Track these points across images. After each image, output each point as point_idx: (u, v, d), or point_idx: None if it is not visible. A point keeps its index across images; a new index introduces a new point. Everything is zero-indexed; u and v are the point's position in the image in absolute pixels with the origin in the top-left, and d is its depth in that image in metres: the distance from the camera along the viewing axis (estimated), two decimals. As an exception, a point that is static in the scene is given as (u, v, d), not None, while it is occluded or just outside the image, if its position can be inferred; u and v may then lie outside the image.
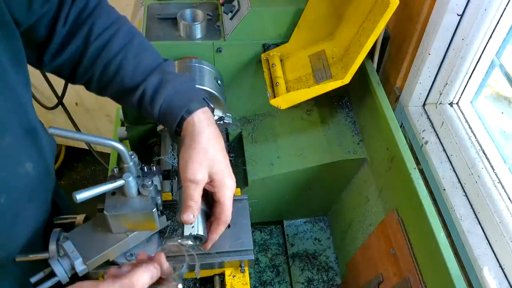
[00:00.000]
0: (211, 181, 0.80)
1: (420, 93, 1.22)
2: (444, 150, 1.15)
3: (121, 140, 1.41)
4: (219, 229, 0.83)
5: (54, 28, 0.77)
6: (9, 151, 0.72)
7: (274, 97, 1.20)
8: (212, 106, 0.86)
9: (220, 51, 1.26)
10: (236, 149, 1.46)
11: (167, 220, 0.92)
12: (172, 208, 0.98)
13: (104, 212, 0.82)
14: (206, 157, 0.78)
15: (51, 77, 1.73)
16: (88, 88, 0.87)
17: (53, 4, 0.76)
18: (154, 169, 0.87)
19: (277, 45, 1.29)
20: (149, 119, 0.86)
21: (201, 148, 0.78)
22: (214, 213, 0.83)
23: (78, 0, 0.79)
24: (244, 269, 0.95)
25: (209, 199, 0.87)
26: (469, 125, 1.17)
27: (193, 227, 0.82)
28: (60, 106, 1.78)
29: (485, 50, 1.10)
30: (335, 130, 1.42)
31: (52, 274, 0.80)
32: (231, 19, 1.25)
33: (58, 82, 1.72)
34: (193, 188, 0.78)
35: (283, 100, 1.18)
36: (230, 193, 0.81)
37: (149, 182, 0.82)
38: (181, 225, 0.82)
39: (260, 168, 1.38)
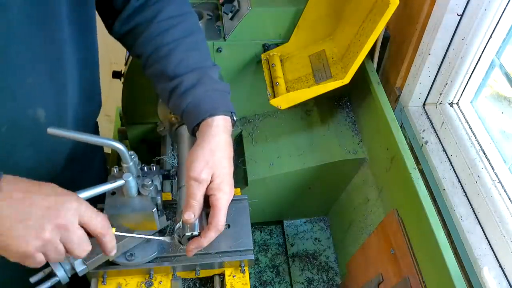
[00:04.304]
0: (210, 183, 0.80)
1: (420, 93, 1.22)
2: (444, 150, 1.15)
3: (121, 140, 1.41)
4: (210, 235, 0.80)
5: (129, 0, 0.86)
6: (27, 90, 0.76)
7: (274, 97, 1.20)
8: (235, 120, 0.87)
9: (220, 51, 1.26)
10: (236, 149, 1.46)
11: (167, 220, 0.92)
12: (172, 208, 0.98)
13: (104, 212, 0.82)
14: (212, 158, 0.79)
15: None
16: (141, 61, 0.92)
17: None
18: (154, 169, 0.87)
19: (277, 45, 1.29)
20: (175, 113, 0.90)
21: (209, 149, 0.79)
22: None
23: None
24: (244, 269, 0.95)
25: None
26: (469, 125, 1.17)
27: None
28: (60, 106, 1.78)
29: (485, 50, 1.10)
30: (335, 130, 1.42)
31: (52, 274, 0.80)
32: (231, 19, 1.25)
33: (58, 82, 1.72)
34: (195, 186, 0.78)
35: (283, 100, 1.18)
36: (226, 199, 0.81)
37: (149, 182, 0.82)
38: (180, 224, 0.82)
39: (260, 168, 1.38)
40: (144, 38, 0.87)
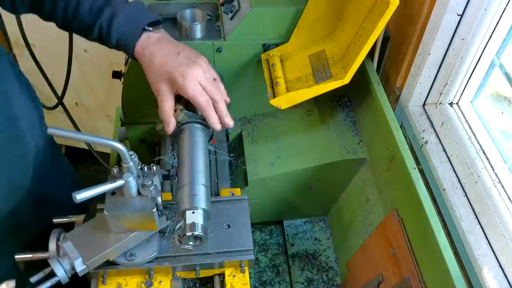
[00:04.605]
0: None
1: (420, 93, 1.22)
2: (444, 150, 1.15)
3: (121, 140, 1.41)
4: (208, 112, 0.94)
5: None
6: None
7: (274, 97, 1.20)
8: (159, 20, 0.97)
9: (220, 51, 1.26)
10: (236, 149, 1.46)
11: (167, 220, 0.92)
12: (172, 208, 0.98)
13: (104, 212, 0.82)
14: (159, 74, 0.90)
15: (51, 77, 1.73)
16: (58, 26, 0.97)
17: None
18: (154, 169, 0.87)
19: (277, 45, 1.29)
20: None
21: (152, 69, 0.91)
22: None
23: None
24: (244, 269, 0.95)
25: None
26: (469, 125, 1.17)
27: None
28: (60, 106, 1.78)
29: (485, 50, 1.10)
30: (335, 130, 1.42)
31: (52, 274, 0.80)
32: (231, 19, 1.25)
33: (58, 82, 1.72)
34: (160, 100, 0.92)
35: (283, 100, 1.18)
36: (191, 81, 0.90)
37: (149, 182, 0.82)
38: (181, 224, 0.82)
39: (260, 168, 1.38)
40: (48, 3, 0.91)
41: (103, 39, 0.93)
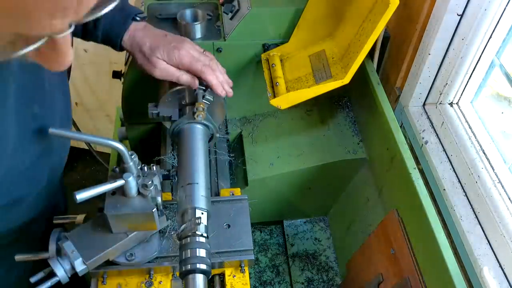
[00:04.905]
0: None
1: (420, 93, 1.22)
2: (444, 150, 1.15)
3: (121, 140, 1.41)
4: (208, 75, 0.96)
5: None
6: None
7: (274, 97, 1.20)
8: (142, 13, 0.99)
9: (220, 51, 1.26)
10: (236, 149, 1.46)
11: (167, 220, 0.92)
12: (172, 208, 0.98)
13: (104, 212, 0.82)
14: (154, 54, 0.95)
15: (51, 77, 1.73)
16: None
17: None
18: (154, 169, 0.87)
19: (277, 45, 1.29)
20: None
21: (145, 52, 0.95)
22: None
23: None
24: (244, 269, 0.95)
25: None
26: (469, 125, 1.17)
27: None
28: (60, 106, 1.78)
29: (485, 50, 1.10)
30: (335, 130, 1.42)
31: (52, 274, 0.80)
32: (231, 19, 1.25)
33: (58, 82, 1.72)
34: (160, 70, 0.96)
35: (283, 100, 1.18)
36: (185, 52, 0.96)
37: (149, 182, 0.82)
38: (185, 226, 0.82)
39: (260, 168, 1.38)
40: None
41: (87, 29, 0.94)
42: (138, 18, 0.97)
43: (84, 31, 0.95)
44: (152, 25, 1.32)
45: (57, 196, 1.04)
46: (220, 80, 0.99)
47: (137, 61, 0.97)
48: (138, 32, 0.96)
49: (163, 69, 0.95)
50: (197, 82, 0.97)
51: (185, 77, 0.96)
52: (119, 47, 0.98)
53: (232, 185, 1.27)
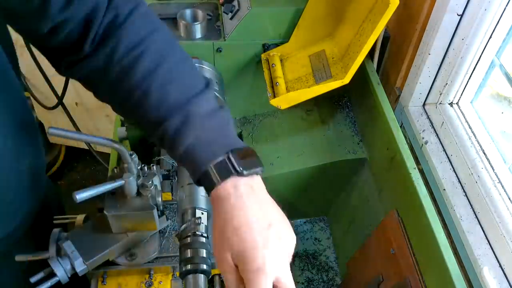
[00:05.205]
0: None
1: (420, 93, 1.22)
2: (444, 150, 1.15)
3: (121, 140, 1.41)
4: None
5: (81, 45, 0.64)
6: None
7: (274, 97, 1.20)
8: (260, 162, 0.66)
9: (220, 51, 1.26)
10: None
11: (167, 220, 0.92)
12: (172, 208, 0.98)
13: (104, 212, 0.82)
14: (234, 240, 0.61)
15: (51, 77, 1.73)
16: (114, 110, 0.76)
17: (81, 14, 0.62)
18: (154, 169, 0.87)
19: (277, 45, 1.29)
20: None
21: (226, 233, 0.61)
22: None
23: (110, 9, 0.63)
24: (244, 269, 0.95)
25: None
26: (469, 125, 1.17)
27: None
28: (60, 106, 1.78)
29: (485, 50, 1.10)
30: (335, 130, 1.42)
31: (52, 274, 0.80)
32: (231, 19, 1.25)
33: (58, 82, 1.72)
34: (223, 271, 0.62)
35: (283, 100, 1.18)
36: (256, 274, 0.58)
37: (149, 182, 0.82)
38: (185, 226, 0.82)
39: (260, 168, 1.37)
40: (107, 84, 0.67)
41: (165, 146, 0.67)
42: (245, 172, 0.62)
43: (164, 147, 0.68)
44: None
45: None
46: None
47: (214, 226, 0.64)
48: (238, 197, 0.62)
49: (227, 272, 0.62)
50: None
51: None
52: (206, 188, 0.65)
53: (232, 185, 1.27)
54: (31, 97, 1.99)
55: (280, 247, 0.61)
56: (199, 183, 0.65)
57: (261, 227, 0.61)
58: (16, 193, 0.82)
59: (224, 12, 1.26)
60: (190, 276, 0.76)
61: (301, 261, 1.55)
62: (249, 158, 0.64)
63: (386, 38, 1.30)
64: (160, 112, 0.65)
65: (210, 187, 0.63)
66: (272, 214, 0.65)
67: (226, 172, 0.62)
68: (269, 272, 0.58)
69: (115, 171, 0.83)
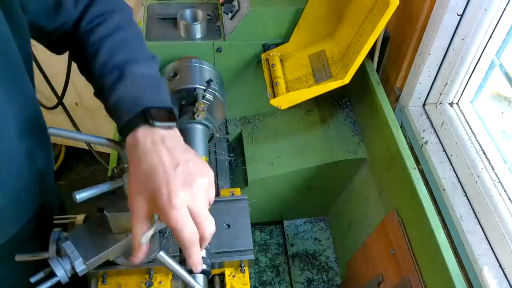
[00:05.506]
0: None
1: (420, 93, 1.22)
2: (444, 150, 1.15)
3: (121, 140, 1.40)
4: (190, 250, 0.67)
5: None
6: None
7: (274, 97, 1.20)
8: (172, 111, 0.74)
9: (220, 51, 1.26)
10: (236, 149, 1.46)
11: (167, 220, 0.92)
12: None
13: (104, 212, 0.82)
14: (142, 184, 0.67)
15: (51, 77, 1.73)
16: (79, 69, 0.87)
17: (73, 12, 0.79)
18: (154, 169, 0.87)
19: (277, 45, 1.29)
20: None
21: (139, 177, 0.67)
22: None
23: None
24: (244, 269, 0.95)
25: None
26: (469, 125, 1.17)
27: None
28: (60, 106, 1.78)
29: (485, 50, 1.10)
30: (335, 130, 1.42)
31: (52, 274, 0.80)
32: (231, 19, 1.25)
33: (58, 82, 1.72)
34: (132, 218, 0.68)
35: (283, 100, 1.18)
36: (177, 206, 0.63)
37: (149, 182, 0.82)
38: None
39: (260, 168, 1.38)
40: (74, 46, 0.82)
41: (100, 96, 0.78)
42: (156, 124, 0.69)
43: (99, 97, 0.79)
44: (152, 25, 1.31)
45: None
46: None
47: (129, 173, 0.70)
48: (146, 143, 0.68)
49: (135, 220, 0.69)
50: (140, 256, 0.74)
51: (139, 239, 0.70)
52: (121, 139, 0.74)
53: (232, 185, 1.27)
54: (31, 97, 1.99)
55: (190, 183, 0.66)
56: (121, 133, 0.72)
57: (168, 167, 0.66)
58: (28, 194, 0.84)
59: (224, 12, 1.26)
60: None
61: (301, 261, 1.56)
62: (165, 114, 0.71)
63: (386, 38, 1.30)
64: (103, 69, 0.76)
65: (124, 137, 0.71)
66: (181, 156, 0.69)
67: (139, 122, 0.69)
68: (178, 206, 0.63)
69: (115, 171, 0.83)
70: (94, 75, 0.78)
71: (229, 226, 0.97)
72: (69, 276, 0.81)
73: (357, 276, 1.32)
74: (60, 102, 1.76)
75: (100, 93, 0.77)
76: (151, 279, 0.92)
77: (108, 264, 0.88)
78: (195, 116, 0.95)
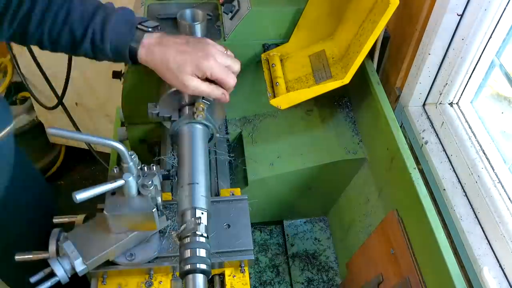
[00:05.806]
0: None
1: (420, 93, 1.22)
2: (444, 150, 1.15)
3: (121, 140, 1.41)
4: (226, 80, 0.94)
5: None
6: None
7: (274, 97, 1.20)
8: (155, 25, 0.93)
9: (220, 51, 1.26)
10: (236, 149, 1.46)
11: (167, 220, 0.92)
12: (172, 208, 0.98)
13: (104, 212, 0.82)
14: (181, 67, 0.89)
15: (51, 77, 1.73)
16: (41, 46, 0.90)
17: None
18: (154, 169, 0.87)
19: (277, 45, 1.29)
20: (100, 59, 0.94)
21: (169, 67, 0.89)
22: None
23: None
24: (244, 269, 0.95)
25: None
26: (469, 125, 1.17)
27: None
28: (60, 106, 1.78)
29: (485, 50, 1.10)
30: (335, 130, 1.42)
31: (52, 274, 0.80)
32: (231, 19, 1.25)
33: (58, 82, 1.72)
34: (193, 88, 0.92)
35: (283, 100, 1.18)
36: (213, 61, 0.91)
37: (149, 182, 0.82)
38: (184, 226, 0.82)
39: (260, 168, 1.38)
40: (35, 16, 0.84)
41: (96, 45, 0.89)
42: (149, 29, 0.91)
43: (95, 50, 0.90)
44: (152, 24, 1.31)
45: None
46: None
47: (166, 79, 0.92)
48: (156, 47, 0.90)
49: (195, 87, 0.91)
50: (228, 96, 0.96)
51: (216, 92, 0.94)
52: (129, 58, 0.91)
53: (232, 185, 1.27)
54: (31, 97, 1.99)
55: (203, 47, 0.93)
56: (131, 56, 0.90)
57: (181, 43, 0.91)
58: (27, 193, 0.85)
59: (224, 12, 1.26)
60: (190, 276, 0.77)
61: (301, 261, 1.56)
62: (149, 21, 0.93)
63: (386, 38, 1.30)
64: (84, 21, 0.86)
65: (135, 58, 0.91)
66: (184, 37, 0.95)
67: (141, 34, 0.90)
68: (212, 59, 0.91)
69: (115, 171, 0.83)
70: (74, 31, 0.86)
71: (229, 226, 0.97)
72: (69, 276, 0.81)
73: (357, 276, 1.32)
74: (60, 102, 1.76)
75: (93, 40, 0.87)
76: (151, 279, 0.92)
77: (108, 264, 0.88)
78: (195, 116, 0.95)
